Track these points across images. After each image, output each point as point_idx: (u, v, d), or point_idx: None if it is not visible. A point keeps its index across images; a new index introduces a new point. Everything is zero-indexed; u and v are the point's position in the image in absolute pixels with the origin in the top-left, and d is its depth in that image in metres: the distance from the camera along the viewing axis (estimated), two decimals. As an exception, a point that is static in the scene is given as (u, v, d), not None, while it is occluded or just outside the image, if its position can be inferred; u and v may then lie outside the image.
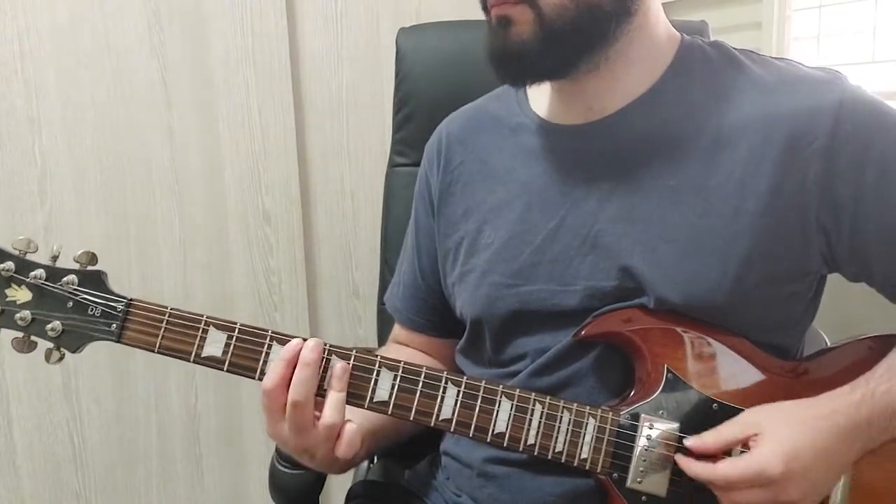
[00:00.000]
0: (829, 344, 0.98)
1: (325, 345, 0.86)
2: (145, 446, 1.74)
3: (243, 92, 1.68)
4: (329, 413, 0.83)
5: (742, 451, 0.81)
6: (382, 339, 1.42)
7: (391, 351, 1.12)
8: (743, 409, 0.85)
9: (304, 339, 0.85)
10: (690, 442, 0.82)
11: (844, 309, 1.11)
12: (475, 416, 0.86)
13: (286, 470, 1.09)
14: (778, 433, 0.79)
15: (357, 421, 0.88)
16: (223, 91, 1.67)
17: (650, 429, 0.85)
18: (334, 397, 0.84)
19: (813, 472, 0.78)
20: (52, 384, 1.66)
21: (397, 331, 1.16)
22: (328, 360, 0.86)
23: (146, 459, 1.74)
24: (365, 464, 1.28)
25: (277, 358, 0.84)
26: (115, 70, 1.61)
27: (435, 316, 1.09)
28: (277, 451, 1.10)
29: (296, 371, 0.83)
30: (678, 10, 1.85)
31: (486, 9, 0.88)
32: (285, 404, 0.83)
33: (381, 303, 1.43)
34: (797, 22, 1.65)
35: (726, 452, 0.82)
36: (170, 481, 1.77)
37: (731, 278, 0.85)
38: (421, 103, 1.38)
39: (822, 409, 0.81)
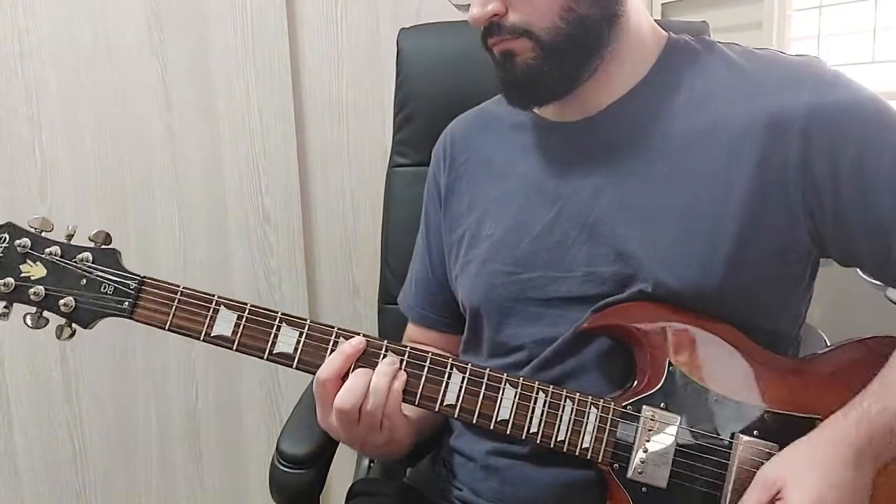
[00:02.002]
0: (828, 345, 0.98)
1: (384, 343, 0.89)
2: (145, 446, 1.74)
3: (244, 92, 1.68)
4: (368, 398, 0.86)
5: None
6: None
7: None
8: (744, 403, 0.87)
9: (366, 337, 0.88)
10: None
11: (844, 310, 1.11)
12: (479, 402, 0.87)
13: (286, 470, 1.08)
14: (799, 483, 0.79)
15: (409, 413, 0.92)
16: (223, 91, 1.67)
17: (651, 420, 0.86)
18: (374, 382, 0.86)
19: None
20: (52, 384, 1.66)
21: (411, 330, 1.17)
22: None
23: (146, 459, 1.75)
24: (366, 462, 1.28)
25: (336, 350, 0.87)
26: (115, 70, 1.61)
27: (446, 310, 1.11)
28: (278, 450, 1.10)
29: (350, 379, 0.86)
30: (678, 11, 1.86)
31: (487, 47, 0.92)
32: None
33: (381, 303, 1.43)
34: (797, 22, 1.66)
35: None
36: (170, 481, 1.77)
37: (723, 259, 0.87)
38: (421, 104, 1.38)
39: (825, 441, 0.82)
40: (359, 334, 0.89)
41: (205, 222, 1.70)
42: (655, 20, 0.98)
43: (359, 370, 0.87)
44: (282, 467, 1.09)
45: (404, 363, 0.88)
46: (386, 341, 0.89)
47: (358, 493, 1.13)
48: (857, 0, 1.54)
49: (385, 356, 0.88)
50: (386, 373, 0.87)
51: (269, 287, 1.75)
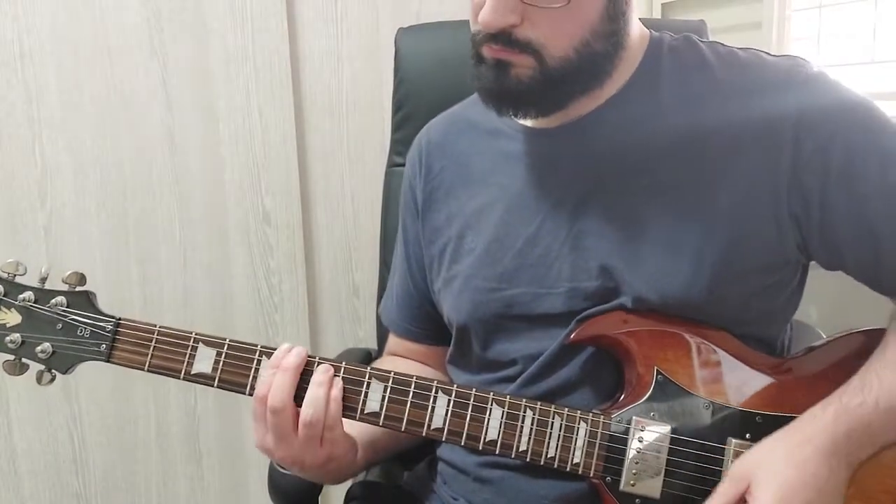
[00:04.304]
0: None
1: (316, 357, 0.87)
2: (145, 446, 1.74)
3: (243, 92, 1.68)
4: (305, 410, 0.84)
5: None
6: (382, 340, 1.42)
7: (386, 363, 1.12)
8: (734, 408, 0.86)
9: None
10: None
11: (842, 310, 1.11)
12: (466, 424, 0.86)
13: (285, 471, 1.08)
14: (769, 478, 0.78)
15: (354, 431, 0.89)
16: (223, 91, 1.67)
17: (642, 431, 0.85)
18: (311, 393, 0.84)
19: (812, 502, 0.78)
20: (52, 385, 1.65)
21: (393, 343, 1.16)
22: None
23: (146, 459, 1.75)
24: (364, 465, 1.28)
25: (266, 366, 0.86)
26: (115, 70, 1.61)
27: (430, 324, 1.09)
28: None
29: (275, 377, 0.84)
30: (678, 10, 1.85)
31: (478, 46, 0.86)
32: None
33: (380, 303, 1.43)
34: (797, 22, 1.65)
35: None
36: (170, 481, 1.77)
37: (707, 274, 0.86)
38: (420, 103, 1.38)
39: (802, 436, 0.80)
40: (341, 363, 0.87)
41: (205, 222, 1.70)
42: (655, 20, 0.96)
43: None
44: (281, 469, 1.09)
45: (388, 389, 0.87)
46: (344, 362, 0.88)
47: (355, 496, 1.12)
48: (857, 0, 1.54)
49: (319, 364, 0.86)
50: (321, 382, 0.85)
51: (269, 288, 1.75)
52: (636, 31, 0.92)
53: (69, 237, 1.62)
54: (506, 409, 0.86)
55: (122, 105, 1.63)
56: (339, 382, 0.86)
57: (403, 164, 1.39)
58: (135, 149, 1.65)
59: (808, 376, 0.89)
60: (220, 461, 1.79)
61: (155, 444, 1.75)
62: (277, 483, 1.09)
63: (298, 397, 0.85)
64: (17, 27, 1.56)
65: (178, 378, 0.87)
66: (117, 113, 1.63)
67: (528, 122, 0.96)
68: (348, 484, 1.18)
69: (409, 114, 1.39)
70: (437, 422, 0.87)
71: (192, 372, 0.86)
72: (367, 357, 1.39)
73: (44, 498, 1.70)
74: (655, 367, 0.87)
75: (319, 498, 1.11)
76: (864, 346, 0.87)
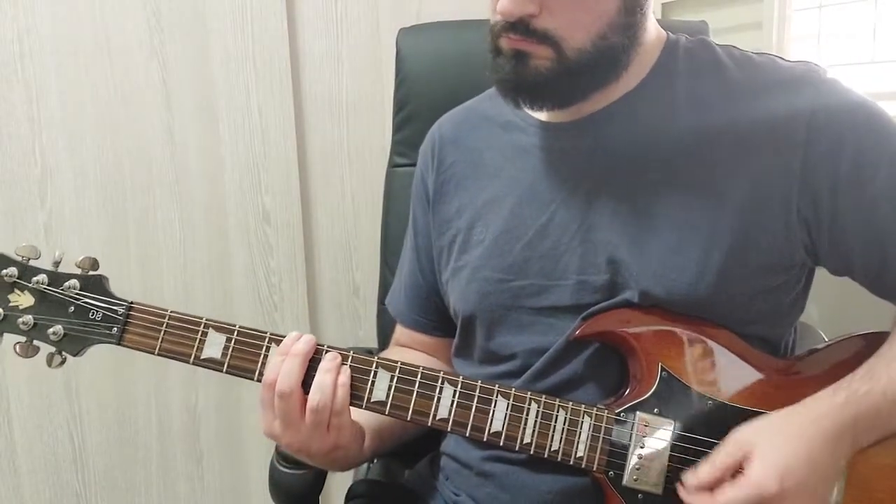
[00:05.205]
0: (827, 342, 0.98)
1: (324, 345, 0.88)
2: (145, 446, 1.74)
3: (243, 92, 1.68)
4: (312, 396, 0.85)
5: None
6: (382, 340, 1.42)
7: (393, 354, 1.12)
8: (737, 406, 0.86)
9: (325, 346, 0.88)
10: (688, 480, 0.82)
11: (843, 310, 1.11)
12: (472, 415, 0.87)
13: (286, 470, 1.08)
14: (769, 450, 0.79)
15: (361, 420, 0.90)
16: (223, 91, 1.67)
17: (645, 426, 0.86)
18: (319, 379, 0.85)
19: (808, 482, 0.78)
20: (52, 384, 1.66)
21: (400, 334, 1.16)
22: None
23: (146, 459, 1.75)
24: (365, 463, 1.28)
25: (275, 352, 0.87)
26: (115, 70, 1.61)
27: (437, 315, 1.10)
28: (277, 450, 1.10)
29: (284, 363, 0.85)
30: (678, 10, 1.85)
31: (496, 37, 0.88)
32: None
33: (381, 303, 1.43)
34: (797, 22, 1.65)
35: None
36: (170, 481, 1.77)
37: (714, 271, 0.86)
38: (421, 103, 1.38)
39: (809, 416, 0.81)
40: (349, 352, 0.88)
41: (205, 222, 1.70)
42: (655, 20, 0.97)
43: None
44: (281, 467, 1.09)
45: (395, 379, 0.87)
46: (351, 351, 0.89)
47: (357, 494, 1.13)
48: (857, 0, 1.54)
49: (328, 352, 0.88)
50: (329, 368, 0.86)
51: (268, 287, 1.75)
52: (653, 30, 0.93)
53: (69, 237, 1.62)
54: (511, 402, 0.87)
55: (122, 105, 1.62)
56: (346, 370, 0.87)
57: (405, 165, 1.40)
58: (135, 149, 1.64)
59: (810, 377, 0.89)
60: (220, 461, 1.79)
61: (155, 444, 1.74)
62: (278, 482, 1.10)
63: (306, 385, 0.86)
64: (17, 27, 1.55)
65: (188, 362, 0.87)
66: (117, 113, 1.62)
67: (542, 116, 0.97)
68: (349, 482, 1.18)
69: (411, 114, 1.39)
70: (443, 412, 0.87)
71: (202, 357, 0.87)
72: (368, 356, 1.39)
73: (44, 497, 1.69)
74: (660, 364, 0.87)
75: (320, 497, 1.11)
76: (866, 349, 0.87)
